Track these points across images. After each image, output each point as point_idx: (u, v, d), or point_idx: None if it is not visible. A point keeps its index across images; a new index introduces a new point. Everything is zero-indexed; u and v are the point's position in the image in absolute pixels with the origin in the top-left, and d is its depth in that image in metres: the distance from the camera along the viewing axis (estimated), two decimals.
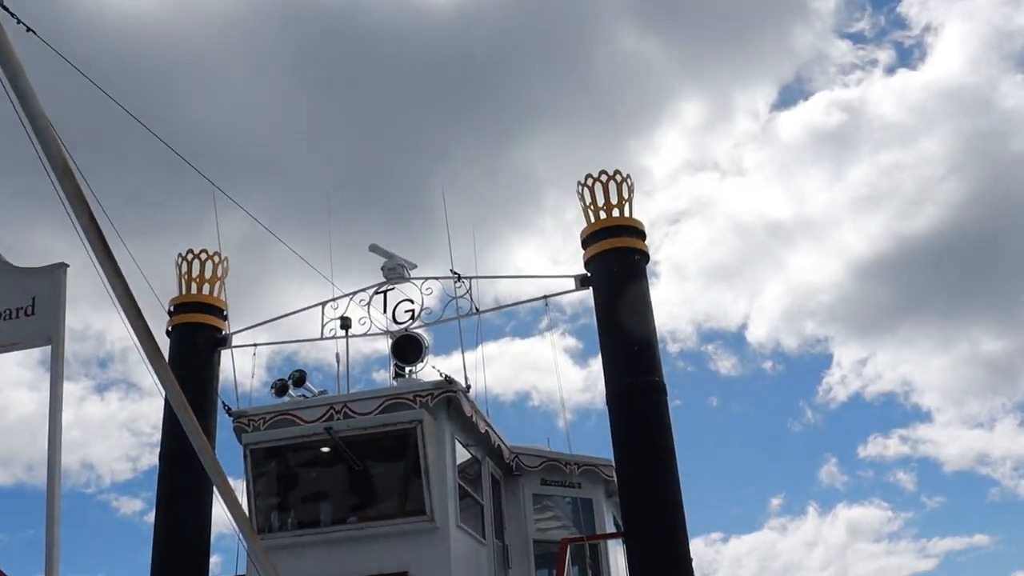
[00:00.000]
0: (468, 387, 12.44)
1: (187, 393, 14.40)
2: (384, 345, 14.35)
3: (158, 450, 14.85)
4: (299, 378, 12.64)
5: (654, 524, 12.82)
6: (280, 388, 12.60)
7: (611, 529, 15.68)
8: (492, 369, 13.33)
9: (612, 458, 14.86)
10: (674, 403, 13.79)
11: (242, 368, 14.57)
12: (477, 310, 14.59)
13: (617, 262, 14.16)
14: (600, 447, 16.14)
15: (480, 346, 15.14)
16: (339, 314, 14.83)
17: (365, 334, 14.47)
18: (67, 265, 5.93)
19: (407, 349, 13.15)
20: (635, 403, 13.38)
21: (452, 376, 12.13)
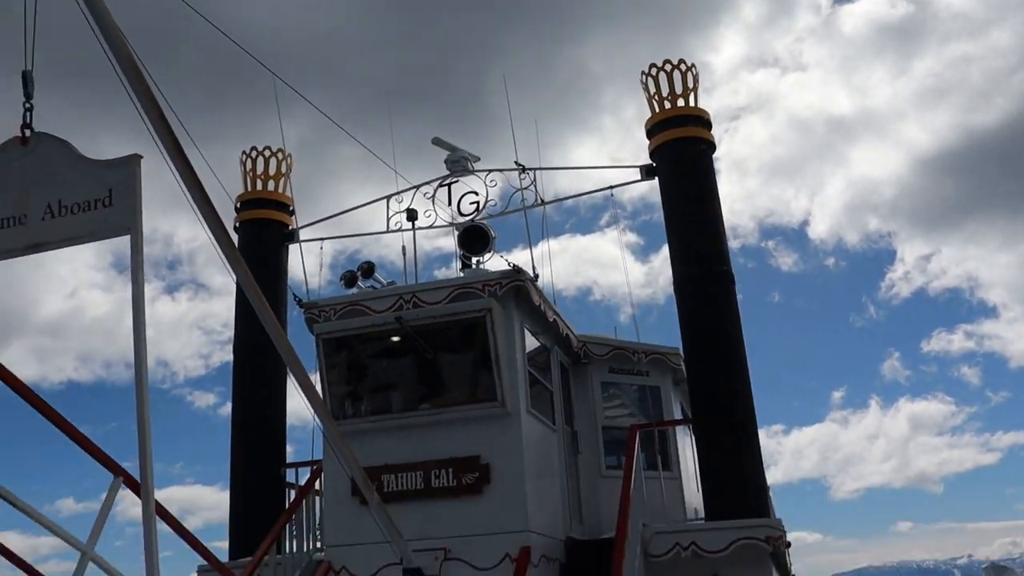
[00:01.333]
0: (536, 276, 12.50)
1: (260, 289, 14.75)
2: (446, 241, 14.44)
3: (230, 346, 15.21)
4: (368, 269, 12.80)
5: (723, 411, 12.93)
6: (349, 279, 12.76)
7: (678, 417, 15.83)
8: (554, 265, 13.35)
9: (679, 347, 15.05)
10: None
11: (307, 264, 14.74)
12: (542, 201, 14.59)
13: (683, 151, 14.08)
14: (664, 339, 16.22)
15: (545, 238, 15.19)
16: (403, 207, 14.93)
17: (430, 226, 14.56)
18: (141, 156, 5.97)
19: (474, 239, 13.21)
20: (703, 291, 13.41)
21: (520, 266, 12.18)
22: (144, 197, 6.01)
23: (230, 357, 15.36)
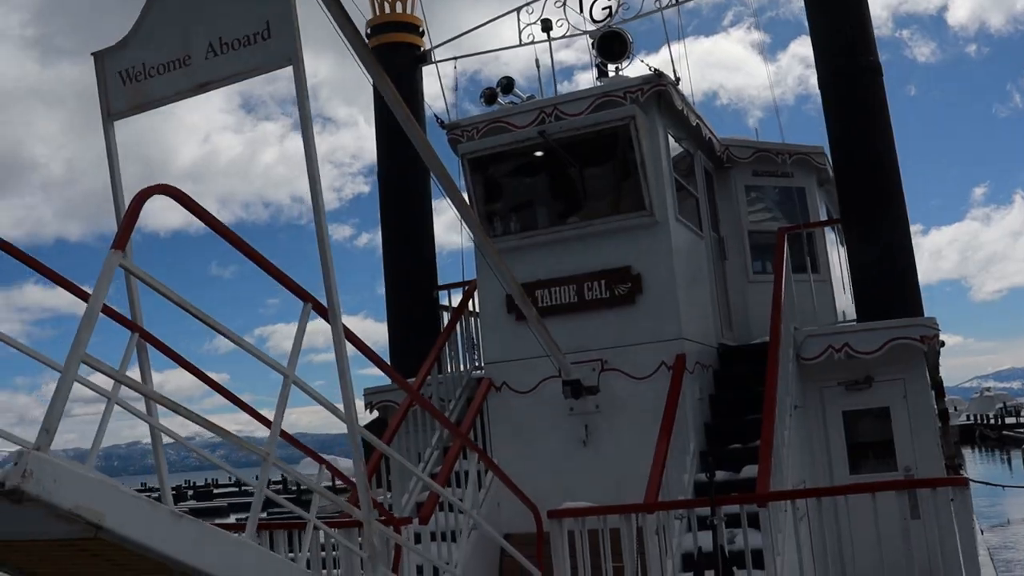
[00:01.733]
0: (677, 80, 12.16)
1: (390, 118, 14.77)
2: (567, 54, 14.08)
3: (360, 178, 15.47)
4: (507, 85, 12.61)
5: (875, 209, 12.57)
6: (489, 96, 12.62)
7: (823, 218, 15.50)
8: (679, 69, 12.84)
9: (822, 147, 14.61)
10: None
11: (438, 87, 14.64)
12: (676, 1, 14.09)
13: None
14: (799, 139, 15.69)
15: (680, 40, 14.71)
16: (534, 18, 14.60)
17: (564, 35, 14.22)
18: None
19: (612, 45, 12.81)
20: (851, 86, 12.86)
21: (660, 70, 11.85)
22: None
23: (362, 189, 15.83)
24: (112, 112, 6.23)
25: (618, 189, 11.91)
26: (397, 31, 15.24)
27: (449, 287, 14.77)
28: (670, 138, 12.19)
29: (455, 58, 14.94)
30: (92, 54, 6.32)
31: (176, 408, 4.61)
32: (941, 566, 7.75)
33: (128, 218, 4.35)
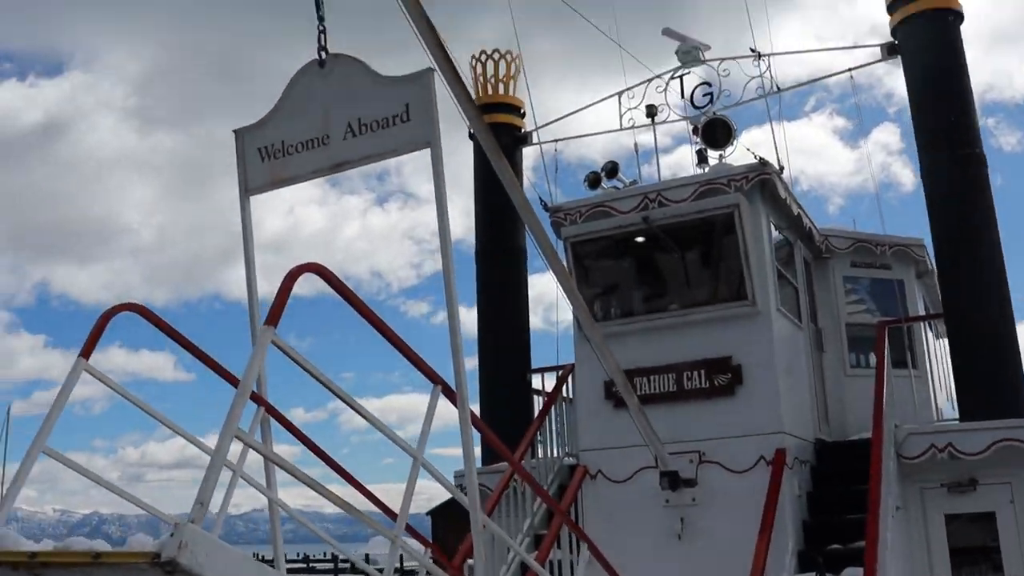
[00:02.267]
0: (781, 168, 12.12)
1: (495, 194, 14.90)
2: (646, 138, 14.18)
3: (439, 256, 15.42)
4: (611, 169, 12.66)
5: (979, 304, 12.31)
6: (593, 180, 12.68)
7: (921, 311, 15.23)
8: (760, 153, 12.84)
9: (922, 238, 14.42)
10: None
11: (538, 167, 14.77)
12: (778, 88, 14.09)
13: (930, 24, 13.23)
14: (890, 226, 15.55)
15: (781, 125, 14.69)
16: (635, 103, 14.71)
17: (666, 121, 14.28)
18: (434, 70, 6.02)
19: (716, 133, 12.84)
20: (955, 176, 12.68)
21: (765, 158, 11.83)
22: None
23: (440, 265, 15.62)
24: (250, 188, 6.36)
25: (721, 277, 11.84)
26: (499, 112, 15.43)
27: (543, 370, 14.67)
28: (772, 226, 12.11)
29: (556, 140, 15.07)
30: (233, 131, 6.47)
31: (315, 486, 4.59)
32: None
33: (281, 295, 4.39)
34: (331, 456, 6.52)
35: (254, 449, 4.41)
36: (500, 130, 15.40)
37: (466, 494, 5.76)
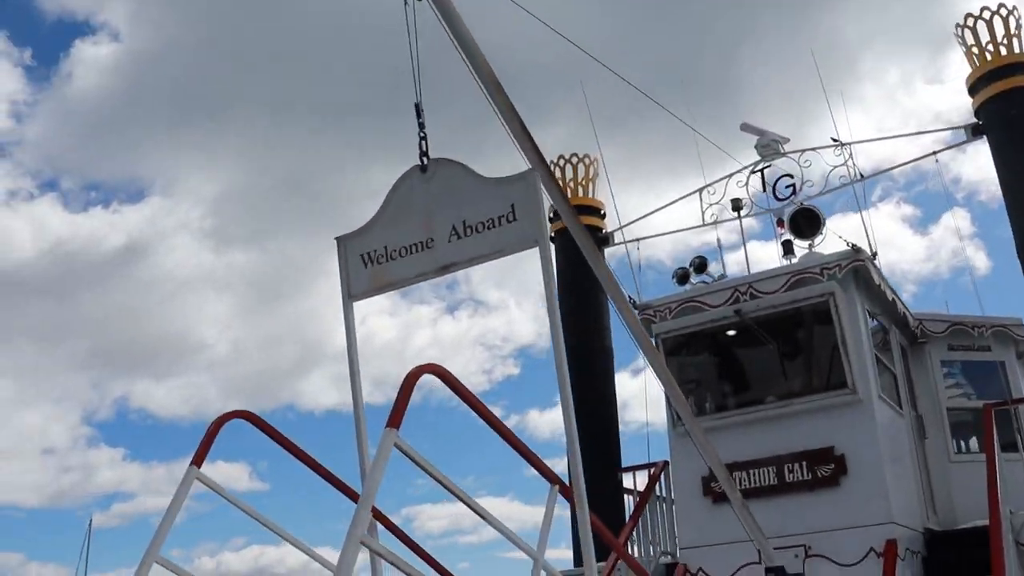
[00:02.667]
0: (874, 254, 11.99)
1: (581, 295, 14.87)
2: (708, 237, 14.18)
3: (510, 360, 15.56)
4: (700, 264, 12.63)
5: None
6: (682, 276, 12.65)
7: (1022, 393, 14.80)
8: (829, 244, 12.75)
9: (1020, 318, 14.11)
10: None
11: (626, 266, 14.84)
12: (861, 176, 14.04)
13: (1016, 103, 13.18)
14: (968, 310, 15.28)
15: (867, 212, 14.58)
16: (717, 199, 14.75)
17: (750, 214, 14.27)
18: (537, 172, 6.09)
19: (803, 223, 12.78)
20: None
21: (858, 245, 11.71)
22: None
23: (511, 371, 15.75)
24: (353, 293, 6.44)
25: (818, 367, 11.65)
26: (581, 214, 15.53)
27: (635, 468, 14.48)
28: (867, 313, 11.93)
29: (639, 239, 15.11)
30: (336, 239, 6.58)
31: None
32: None
33: (403, 397, 4.40)
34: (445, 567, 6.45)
35: (381, 556, 4.36)
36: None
37: None
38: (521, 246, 5.86)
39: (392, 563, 4.40)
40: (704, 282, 12.60)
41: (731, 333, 12.03)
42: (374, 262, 6.38)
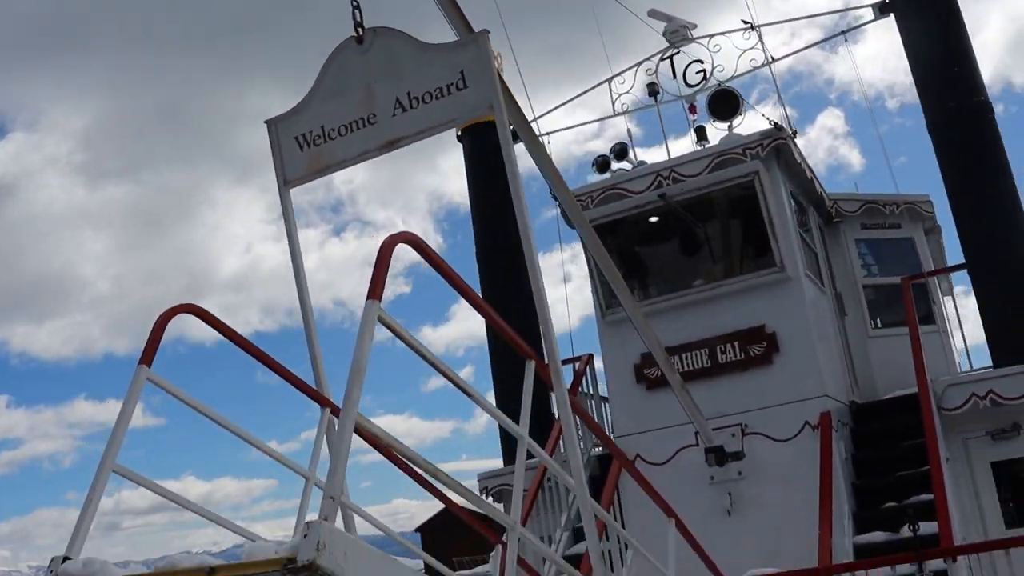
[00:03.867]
0: (794, 133, 11.90)
1: (493, 192, 14.53)
2: (595, 145, 13.97)
3: (401, 279, 15.14)
4: (621, 151, 12.37)
5: (1005, 253, 12.12)
6: (602, 164, 12.38)
7: (929, 268, 15.05)
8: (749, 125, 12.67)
9: (927, 195, 14.34)
10: None
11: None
12: (772, 58, 13.93)
13: None
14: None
15: (779, 96, 14.52)
16: (627, 88, 14.49)
17: (662, 101, 14.00)
18: (488, 31, 5.72)
19: (723, 104, 12.59)
20: (961, 128, 12.50)
21: (780, 123, 11.60)
22: None
23: (402, 289, 15.45)
24: (288, 179, 6.03)
25: (746, 247, 11.60)
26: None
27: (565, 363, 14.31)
28: (789, 192, 11.89)
29: (547, 133, 14.78)
30: (265, 122, 6.14)
31: (437, 474, 4.28)
32: None
33: (380, 268, 4.07)
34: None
35: (376, 438, 4.05)
36: (491, 127, 15.13)
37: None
38: (474, 112, 5.56)
39: (391, 444, 4.08)
40: (624, 169, 12.38)
41: (656, 219, 11.89)
42: (310, 144, 5.98)
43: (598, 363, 13.30)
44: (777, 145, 11.46)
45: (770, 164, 11.42)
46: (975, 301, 12.47)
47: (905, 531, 10.09)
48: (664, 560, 9.39)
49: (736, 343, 11.28)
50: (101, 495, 3.99)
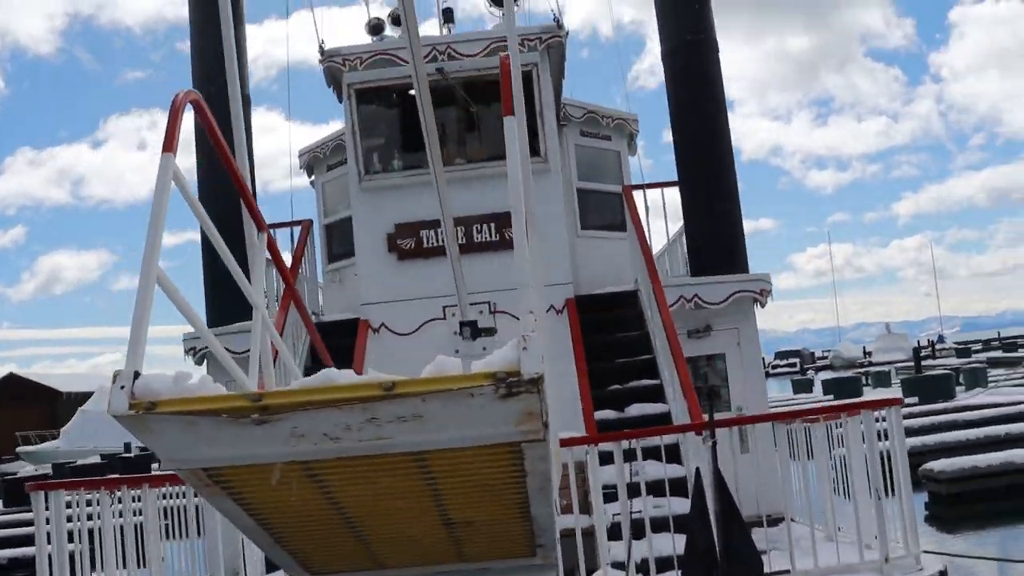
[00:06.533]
0: (567, 33, 12.33)
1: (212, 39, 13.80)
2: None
3: None
4: (398, 17, 12.18)
5: (711, 175, 13.34)
6: (375, 26, 12.12)
7: (628, 182, 16.21)
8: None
9: (636, 114, 15.44)
10: None
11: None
12: None
13: None
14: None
15: None
16: None
17: None
18: None
19: None
20: (690, 60, 13.51)
21: (561, 21, 11.96)
22: None
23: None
24: None
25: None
26: None
27: (280, 226, 13.95)
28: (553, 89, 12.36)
29: None
30: None
31: None
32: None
33: (172, 121, 3.76)
34: None
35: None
36: None
37: None
38: None
39: None
40: (393, 37, 12.22)
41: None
42: None
43: None
44: (552, 42, 11.85)
45: (544, 59, 11.80)
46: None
47: (631, 410, 11.23)
48: None
49: (493, 224, 11.69)
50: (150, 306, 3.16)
